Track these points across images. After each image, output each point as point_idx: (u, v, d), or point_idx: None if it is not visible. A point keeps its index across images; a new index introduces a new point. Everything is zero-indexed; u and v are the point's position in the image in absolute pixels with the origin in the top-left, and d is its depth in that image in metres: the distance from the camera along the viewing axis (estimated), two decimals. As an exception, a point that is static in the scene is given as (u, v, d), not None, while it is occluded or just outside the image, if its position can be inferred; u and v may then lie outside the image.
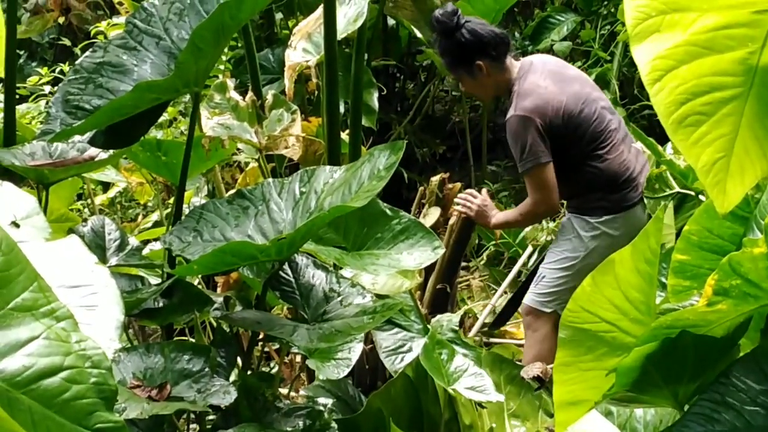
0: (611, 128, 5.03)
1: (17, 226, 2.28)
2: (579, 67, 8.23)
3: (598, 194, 4.92)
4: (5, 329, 1.69)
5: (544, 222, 5.90)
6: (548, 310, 4.95)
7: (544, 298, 4.98)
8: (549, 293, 4.96)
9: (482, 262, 6.98)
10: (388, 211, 3.57)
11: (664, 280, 2.59)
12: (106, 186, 6.55)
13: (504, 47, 5.16)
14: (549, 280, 4.99)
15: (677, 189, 4.42)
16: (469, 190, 5.29)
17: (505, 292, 6.06)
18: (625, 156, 4.97)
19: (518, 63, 5.20)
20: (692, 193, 4.54)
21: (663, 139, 3.42)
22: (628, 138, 5.06)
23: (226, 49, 5.90)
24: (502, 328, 5.80)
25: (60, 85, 3.50)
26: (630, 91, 8.25)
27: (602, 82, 8.14)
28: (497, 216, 5.23)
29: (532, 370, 4.21)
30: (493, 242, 6.74)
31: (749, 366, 2.04)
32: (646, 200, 4.69)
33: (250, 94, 4.81)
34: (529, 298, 5.07)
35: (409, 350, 4.36)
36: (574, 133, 4.97)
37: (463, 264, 7.39)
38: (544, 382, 4.19)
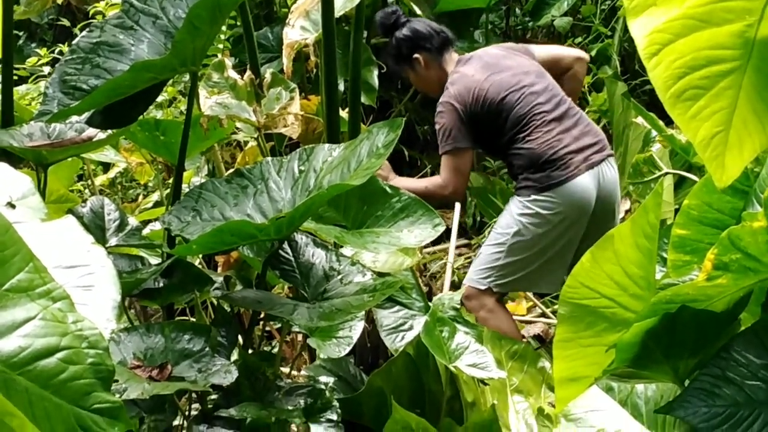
0: (537, 111, 5.10)
1: (13, 206, 2.27)
2: (579, 43, 8.26)
3: (524, 174, 4.98)
4: (1, 310, 1.68)
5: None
6: (483, 287, 4.99)
7: (479, 275, 5.02)
8: (483, 269, 5.01)
9: (484, 239, 6.96)
10: (388, 189, 3.57)
11: (664, 255, 2.58)
12: (106, 167, 6.54)
13: (441, 41, 5.45)
14: (484, 256, 5.06)
15: (665, 170, 4.42)
16: None
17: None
18: (552, 136, 5.02)
19: (458, 56, 5.48)
20: (681, 173, 4.54)
21: (665, 114, 3.41)
22: (568, 118, 5.13)
23: (224, 28, 5.89)
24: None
25: (57, 65, 3.48)
26: (631, 66, 8.22)
27: (603, 58, 8.13)
28: (397, 180, 5.32)
29: (532, 329, 4.22)
30: (495, 219, 6.72)
31: (750, 340, 2.04)
32: (633, 186, 4.66)
33: (248, 72, 4.79)
34: (467, 278, 5.11)
35: (410, 328, 4.36)
36: (495, 120, 5.11)
37: (465, 241, 7.41)
38: (544, 341, 4.19)
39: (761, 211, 1.91)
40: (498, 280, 4.97)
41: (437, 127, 5.21)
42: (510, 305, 5.75)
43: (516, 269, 4.97)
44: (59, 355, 1.71)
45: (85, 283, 2.10)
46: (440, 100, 5.24)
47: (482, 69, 5.28)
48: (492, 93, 5.16)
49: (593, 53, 8.07)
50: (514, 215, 4.99)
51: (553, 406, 3.82)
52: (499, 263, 4.98)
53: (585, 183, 4.91)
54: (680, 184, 5.01)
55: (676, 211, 2.60)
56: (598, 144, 5.08)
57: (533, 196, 4.93)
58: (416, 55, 5.43)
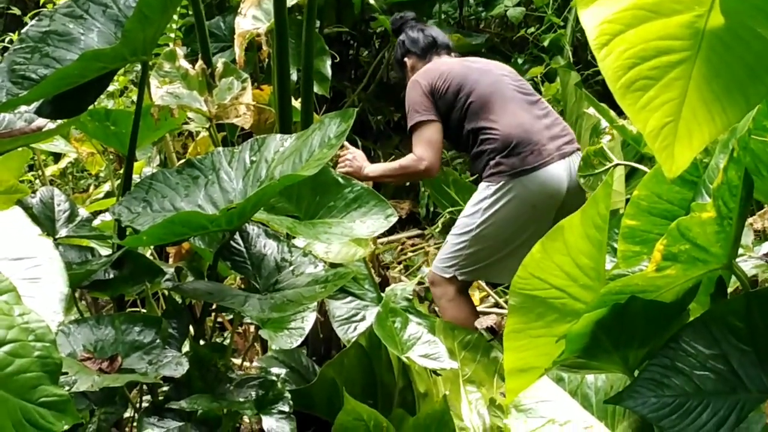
0: (507, 89, 5.22)
1: (-42, 198, 2.24)
2: (532, 34, 8.28)
3: (496, 159, 4.97)
4: (-55, 303, 1.66)
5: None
6: (447, 275, 4.99)
7: (444, 264, 5.03)
8: (449, 258, 5.02)
9: (437, 230, 6.97)
10: (340, 180, 3.57)
11: (615, 245, 2.59)
12: (57, 157, 6.49)
13: (426, 45, 5.66)
14: (450, 245, 5.06)
15: (616, 161, 4.43)
16: (344, 151, 5.35)
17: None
18: (525, 119, 5.08)
19: None
20: (632, 164, 4.56)
21: (617, 104, 3.42)
22: (539, 108, 5.23)
23: (175, 17, 5.85)
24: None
25: (5, 54, 3.44)
26: (584, 57, 8.25)
27: (556, 48, 8.14)
28: (372, 167, 5.35)
29: (485, 321, 4.23)
30: (449, 210, 6.73)
31: (699, 331, 2.04)
32: (584, 179, 4.67)
33: (199, 62, 4.75)
34: (433, 266, 5.13)
35: (363, 319, 4.36)
36: (462, 98, 5.18)
37: (418, 231, 7.42)
38: (497, 333, 4.20)
39: (710, 201, 1.92)
40: (463, 269, 4.97)
41: (406, 105, 5.33)
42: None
43: (481, 258, 4.96)
44: (5, 348, 1.69)
45: (32, 276, 2.08)
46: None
47: (451, 62, 5.51)
48: (459, 71, 5.30)
49: (546, 43, 8.10)
50: (482, 202, 4.96)
51: (505, 396, 3.84)
52: (465, 252, 4.97)
53: (557, 171, 4.91)
54: (632, 174, 5.03)
55: (628, 201, 2.60)
56: (568, 136, 5.12)
57: (504, 182, 4.90)
58: (406, 59, 5.69)
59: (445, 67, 5.39)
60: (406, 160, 5.25)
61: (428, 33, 5.72)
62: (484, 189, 4.99)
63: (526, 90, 5.31)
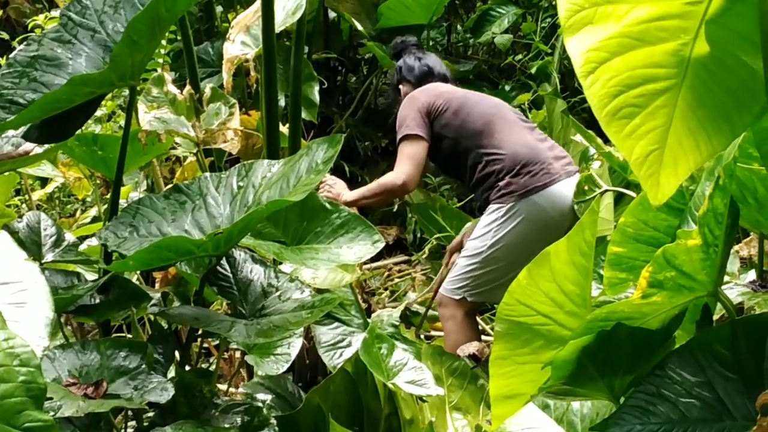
0: (508, 113, 5.28)
1: (-56, 222, 2.24)
2: (519, 61, 8.31)
3: (505, 179, 4.97)
4: (-71, 328, 1.65)
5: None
6: (457, 297, 4.98)
7: (454, 285, 5.02)
8: (458, 280, 5.01)
9: (424, 256, 6.97)
10: (327, 205, 3.57)
11: (602, 271, 2.60)
12: (44, 181, 6.48)
13: (421, 74, 5.68)
14: (459, 267, 5.04)
15: (605, 187, 4.45)
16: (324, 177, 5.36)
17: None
18: (528, 139, 5.11)
19: None
20: (621, 190, 4.58)
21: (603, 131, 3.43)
22: (538, 132, 5.29)
23: (164, 42, 5.86)
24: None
25: (-7, 79, 3.44)
26: (571, 84, 8.27)
27: (543, 75, 8.17)
28: (350, 193, 5.34)
29: (468, 349, 4.22)
30: (436, 236, 6.74)
31: (684, 358, 2.05)
32: (577, 206, 4.69)
33: (187, 87, 4.76)
34: (442, 288, 5.12)
35: (349, 345, 4.35)
36: (456, 117, 5.22)
37: (405, 257, 7.41)
38: (480, 360, 4.19)
39: (696, 229, 1.93)
40: (473, 290, 4.96)
41: (397, 120, 5.33)
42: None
43: (492, 279, 4.94)
44: (-11, 373, 1.69)
45: (18, 300, 2.07)
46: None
47: (458, 88, 5.57)
48: (460, 94, 5.37)
49: (533, 70, 8.12)
50: (492, 224, 4.95)
51: (491, 423, 3.83)
52: (475, 273, 4.96)
53: (565, 189, 4.91)
54: (619, 200, 5.03)
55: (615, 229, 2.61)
56: (568, 158, 5.14)
57: (514, 202, 4.90)
58: (400, 86, 5.73)
59: (446, 89, 5.43)
60: (384, 178, 5.27)
61: (425, 62, 5.74)
62: (495, 211, 4.97)
63: (524, 118, 5.39)
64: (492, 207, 5.01)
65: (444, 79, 5.66)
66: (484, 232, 4.98)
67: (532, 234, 4.87)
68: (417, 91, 5.38)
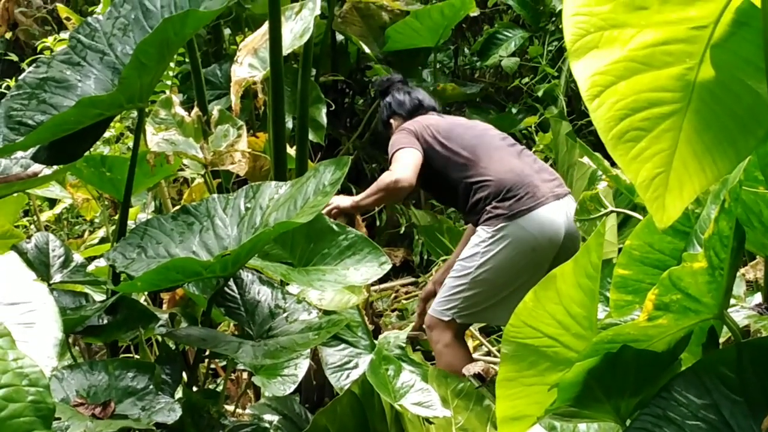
0: (494, 140, 5.33)
1: (-46, 243, 2.25)
2: (526, 84, 8.33)
3: (492, 204, 4.99)
4: (-61, 348, 1.66)
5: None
6: (446, 319, 4.99)
7: (442, 307, 5.02)
8: (447, 301, 5.01)
9: (431, 278, 6.98)
10: (334, 227, 3.58)
11: (607, 294, 2.60)
12: (52, 202, 6.50)
13: (412, 107, 5.75)
14: (448, 288, 5.05)
15: (611, 208, 4.45)
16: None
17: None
18: (514, 164, 5.14)
19: None
20: (627, 212, 4.58)
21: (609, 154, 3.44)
22: (525, 156, 5.31)
23: (172, 65, 5.89)
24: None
25: (2, 100, 3.46)
26: (578, 107, 8.29)
27: (550, 98, 8.19)
28: (348, 198, 5.34)
29: (473, 368, 4.22)
30: (442, 258, 6.74)
31: (690, 380, 2.05)
32: (579, 223, 4.70)
33: (195, 109, 4.78)
34: (431, 309, 5.12)
35: (356, 366, 4.36)
36: (443, 148, 5.24)
37: (412, 279, 7.42)
38: (485, 380, 4.19)
39: (701, 252, 1.93)
40: (461, 312, 4.96)
41: (389, 148, 5.33)
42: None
43: (480, 301, 4.95)
44: (-1, 392, 1.69)
45: (27, 321, 2.08)
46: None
47: (443, 118, 5.63)
48: (445, 125, 5.39)
49: (540, 93, 8.14)
50: (480, 246, 4.97)
51: (498, 444, 3.83)
52: (463, 294, 4.96)
53: (553, 211, 4.92)
54: (624, 223, 5.04)
55: (620, 250, 2.61)
56: (558, 180, 5.16)
57: (501, 224, 4.91)
58: (391, 121, 5.72)
59: (432, 120, 5.46)
60: (380, 179, 5.24)
61: (414, 96, 5.79)
62: (482, 233, 4.99)
63: (512, 142, 5.41)
64: (480, 229, 5.04)
65: (434, 110, 5.72)
66: (472, 253, 4.99)
67: (519, 257, 4.89)
68: (407, 125, 5.44)
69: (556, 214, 4.91)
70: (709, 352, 2.22)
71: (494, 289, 4.92)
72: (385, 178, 5.13)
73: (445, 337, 4.98)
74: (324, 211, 4.87)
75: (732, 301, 2.71)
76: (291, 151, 4.84)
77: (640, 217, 3.96)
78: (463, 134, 5.25)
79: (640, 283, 2.46)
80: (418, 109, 5.67)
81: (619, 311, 2.44)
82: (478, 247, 4.97)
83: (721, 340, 2.33)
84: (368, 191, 5.21)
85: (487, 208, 4.97)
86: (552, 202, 4.94)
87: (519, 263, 4.87)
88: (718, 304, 2.03)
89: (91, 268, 4.01)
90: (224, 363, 4.58)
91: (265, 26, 5.21)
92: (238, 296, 3.52)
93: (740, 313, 2.81)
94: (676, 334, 2.10)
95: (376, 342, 4.54)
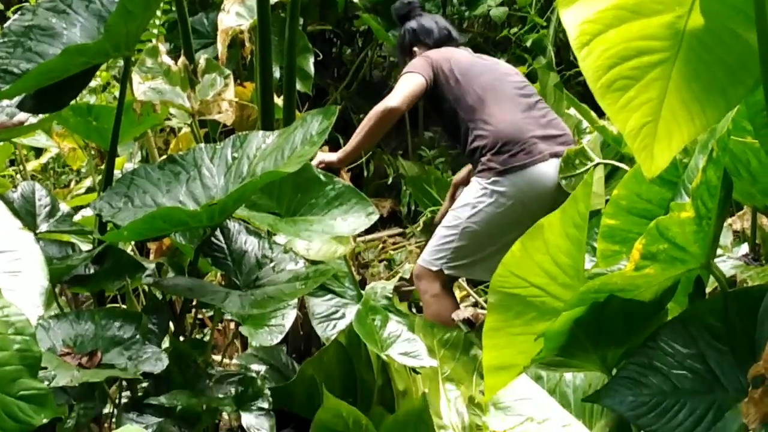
0: (508, 85, 5.23)
1: (-61, 191, 2.24)
2: (515, 34, 8.29)
3: (486, 156, 4.96)
4: (-76, 296, 1.66)
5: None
6: (435, 269, 4.97)
7: (432, 257, 5.00)
8: (437, 251, 4.99)
9: (418, 228, 6.98)
10: (322, 177, 3.57)
11: (594, 244, 2.60)
12: (38, 152, 6.48)
13: (441, 37, 5.60)
14: (439, 238, 5.03)
15: (597, 160, 4.44)
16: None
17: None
18: (519, 117, 5.07)
19: None
20: (614, 163, 4.58)
21: (598, 104, 3.43)
22: (537, 109, 5.21)
23: (159, 13, 5.85)
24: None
25: (-13, 49, 3.43)
26: (566, 57, 8.25)
27: (539, 48, 8.15)
28: (340, 151, 5.23)
29: (462, 313, 4.23)
30: (430, 209, 6.75)
31: (676, 330, 2.05)
32: (565, 180, 4.68)
33: (182, 58, 4.75)
34: (420, 259, 5.11)
35: (342, 317, 4.36)
36: (456, 86, 5.17)
37: (400, 230, 7.42)
38: (474, 325, 4.19)
39: (689, 201, 1.93)
40: (450, 263, 4.95)
41: (405, 69, 5.27)
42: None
43: (468, 253, 4.93)
44: (-16, 341, 1.69)
45: (13, 269, 2.08)
46: None
47: (468, 53, 5.51)
48: (466, 62, 5.30)
49: (529, 43, 8.11)
50: (471, 197, 4.95)
51: (484, 394, 3.84)
52: (453, 245, 4.95)
53: (547, 170, 4.89)
54: (611, 175, 5.03)
55: (608, 201, 2.61)
56: (564, 137, 5.09)
57: (494, 178, 4.90)
58: (415, 48, 5.58)
59: (456, 54, 5.37)
60: (371, 110, 5.16)
61: (442, 25, 5.70)
62: (475, 185, 4.98)
63: (528, 92, 5.29)
64: (473, 181, 5.01)
65: (457, 44, 5.64)
66: (464, 203, 4.98)
67: (508, 212, 4.87)
68: (430, 52, 5.35)
69: (551, 172, 4.88)
70: (695, 302, 2.22)
71: (482, 242, 4.90)
72: (377, 107, 5.07)
73: (433, 287, 4.97)
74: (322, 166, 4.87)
75: (719, 251, 2.72)
76: (278, 100, 4.81)
77: (627, 168, 3.96)
78: (479, 75, 5.18)
79: (627, 232, 2.46)
80: (447, 40, 5.58)
81: (606, 261, 2.45)
82: (469, 198, 4.96)
83: (708, 289, 2.34)
84: (357, 130, 5.15)
85: (482, 159, 4.95)
86: (548, 160, 4.90)
87: (508, 218, 4.85)
88: (705, 253, 2.03)
89: (77, 217, 4.01)
90: (211, 313, 4.58)
91: (252, -25, 5.18)
92: (225, 246, 3.52)
93: (727, 263, 2.82)
94: (663, 284, 2.10)
95: (363, 292, 4.54)
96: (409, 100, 5.10)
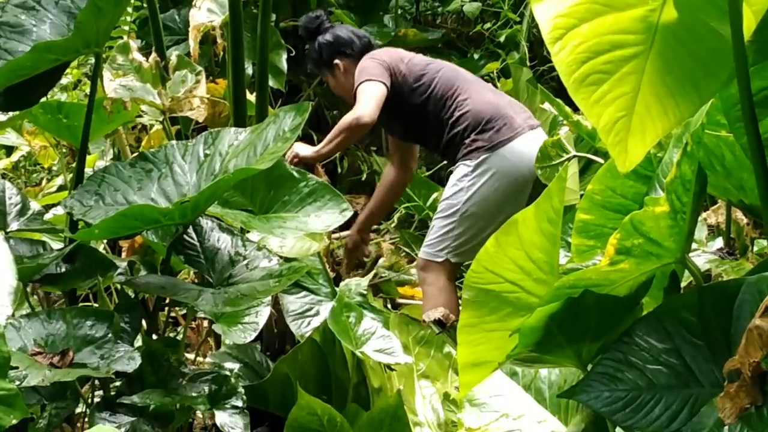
0: (467, 77, 5.30)
1: None
2: (488, 29, 8.30)
3: (471, 137, 4.97)
4: None
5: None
6: (440, 260, 4.96)
7: (435, 248, 4.99)
8: (439, 241, 4.98)
9: (393, 225, 6.96)
10: (295, 174, 3.56)
11: (569, 239, 2.60)
12: (9, 150, 6.44)
13: (362, 46, 5.44)
14: (437, 229, 5.02)
15: (573, 153, 4.44)
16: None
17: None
18: (489, 98, 5.14)
19: None
20: (589, 156, 4.58)
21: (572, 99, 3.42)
22: (498, 93, 5.40)
23: (129, 9, 5.82)
24: (412, 290, 5.79)
25: (-44, 46, 3.41)
26: (540, 52, 8.25)
27: (512, 44, 8.16)
28: (312, 149, 5.18)
29: (433, 314, 4.22)
30: (404, 205, 6.73)
31: (652, 325, 2.04)
32: (541, 170, 4.69)
33: (153, 55, 4.73)
34: (421, 251, 5.11)
35: (317, 314, 4.35)
36: (418, 82, 5.17)
37: (374, 227, 7.40)
38: (445, 326, 4.19)
39: (663, 196, 1.93)
40: (455, 250, 4.93)
41: (356, 74, 5.18)
42: (415, 290, 5.72)
43: (470, 237, 4.91)
44: (-48, 341, 1.67)
45: (-19, 268, 2.06)
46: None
47: (411, 53, 5.49)
48: (420, 59, 5.33)
49: (502, 39, 8.11)
50: (464, 180, 4.94)
51: (459, 390, 3.83)
52: (454, 232, 4.93)
53: (531, 141, 4.89)
54: (586, 169, 5.04)
55: (582, 197, 2.61)
56: (528, 112, 5.18)
57: (483, 156, 4.90)
58: (336, 61, 5.42)
59: (404, 53, 5.37)
60: (342, 119, 5.10)
61: (359, 33, 5.60)
62: (463, 168, 4.97)
63: (483, 81, 5.40)
64: (460, 165, 5.00)
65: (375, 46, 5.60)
66: (456, 189, 4.96)
67: (503, 187, 4.88)
68: (376, 52, 5.32)
69: (532, 144, 4.88)
70: (670, 296, 2.22)
71: (483, 223, 4.89)
72: (347, 117, 5.02)
73: (440, 279, 4.96)
74: (286, 159, 4.84)
75: (694, 245, 2.72)
76: (251, 97, 4.79)
77: (602, 161, 3.95)
78: (440, 69, 5.20)
79: (601, 227, 2.45)
80: (369, 48, 5.47)
81: (581, 256, 2.44)
82: (461, 182, 4.95)
83: (683, 284, 2.33)
84: (329, 136, 5.11)
85: (466, 141, 4.96)
86: (528, 132, 4.96)
87: (504, 193, 4.87)
88: (680, 248, 2.03)
89: (48, 216, 3.98)
90: (184, 311, 4.56)
91: (224, -30, 5.16)
92: (197, 244, 3.50)
93: (702, 258, 2.82)
94: (638, 279, 2.10)
95: (337, 289, 4.53)
96: (377, 110, 5.02)
